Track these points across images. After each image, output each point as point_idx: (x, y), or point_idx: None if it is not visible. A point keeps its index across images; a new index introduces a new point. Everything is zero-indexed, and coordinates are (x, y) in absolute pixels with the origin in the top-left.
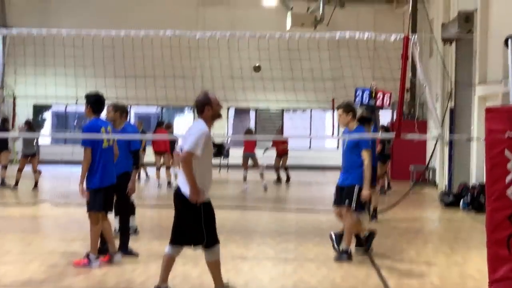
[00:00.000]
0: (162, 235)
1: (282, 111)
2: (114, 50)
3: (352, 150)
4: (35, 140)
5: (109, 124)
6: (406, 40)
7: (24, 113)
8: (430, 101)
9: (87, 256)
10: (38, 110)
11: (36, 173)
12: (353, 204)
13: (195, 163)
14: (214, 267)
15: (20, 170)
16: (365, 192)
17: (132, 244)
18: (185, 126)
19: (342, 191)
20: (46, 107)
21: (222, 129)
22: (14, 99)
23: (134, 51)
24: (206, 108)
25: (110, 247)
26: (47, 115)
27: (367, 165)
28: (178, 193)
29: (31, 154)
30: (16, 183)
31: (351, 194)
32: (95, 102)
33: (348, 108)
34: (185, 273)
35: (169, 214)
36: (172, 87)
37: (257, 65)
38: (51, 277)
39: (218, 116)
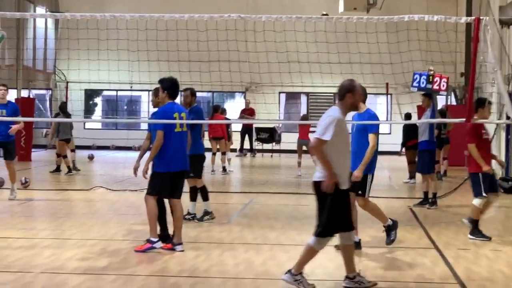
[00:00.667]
0: (220, 220)
1: (334, 95)
2: (172, 35)
3: (360, 133)
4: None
5: (185, 110)
6: (477, 22)
7: (75, 98)
8: (502, 85)
9: (148, 240)
10: (89, 95)
11: (59, 158)
12: (367, 193)
13: (330, 151)
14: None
15: (65, 156)
16: (357, 173)
17: (192, 230)
18: (236, 111)
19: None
20: (97, 92)
21: (274, 115)
22: (67, 84)
23: (184, 36)
24: (348, 95)
25: (176, 237)
26: (98, 100)
27: (371, 148)
28: (316, 182)
29: (68, 139)
30: (69, 169)
31: (364, 184)
32: (171, 87)
33: None
34: (248, 260)
35: (225, 200)
36: (220, 71)
37: (324, 13)
38: (113, 264)
39: (357, 106)
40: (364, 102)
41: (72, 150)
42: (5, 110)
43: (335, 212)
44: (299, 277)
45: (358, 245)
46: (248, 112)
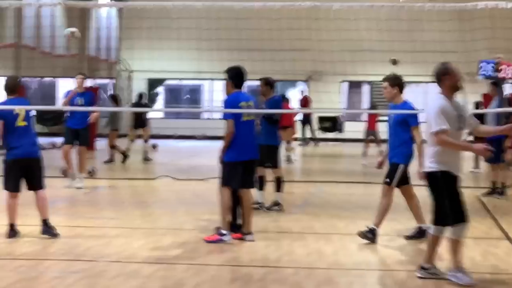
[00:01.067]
0: (287, 210)
1: None
2: (236, 23)
3: (398, 126)
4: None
5: (251, 98)
6: None
7: (138, 88)
8: None
9: (218, 231)
10: (152, 84)
11: (114, 148)
12: (394, 183)
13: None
14: (453, 246)
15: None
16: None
17: (260, 220)
18: (296, 101)
19: None
20: (160, 81)
21: (336, 104)
22: (130, 73)
23: (247, 24)
24: (445, 78)
25: (245, 227)
26: (161, 89)
27: (420, 143)
28: (428, 173)
29: (116, 129)
30: (125, 156)
31: (393, 172)
32: (235, 76)
33: (394, 81)
34: (319, 250)
35: (291, 189)
36: (284, 60)
37: (393, 58)
38: (184, 254)
39: (458, 87)
40: (401, 92)
41: (146, 140)
42: (83, 98)
43: (455, 199)
44: (433, 270)
45: (374, 236)
46: (302, 102)
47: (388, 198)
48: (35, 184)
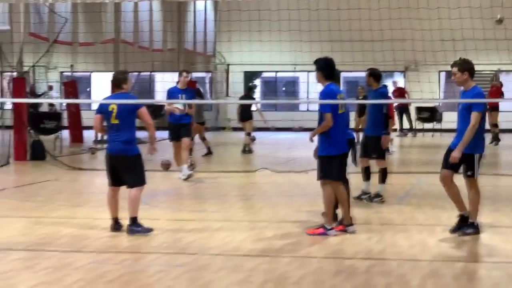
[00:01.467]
0: (389, 201)
1: (495, 73)
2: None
3: (466, 112)
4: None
5: (342, 90)
6: None
7: (235, 80)
8: None
9: (322, 226)
10: (249, 76)
11: (206, 140)
12: (476, 174)
13: None
14: None
15: (192, 139)
16: (455, 154)
17: (362, 211)
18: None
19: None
20: (257, 74)
21: (434, 94)
22: (228, 66)
23: (347, 15)
24: None
25: (345, 219)
26: (257, 82)
27: (471, 127)
28: None
29: (202, 122)
30: (209, 151)
31: (471, 164)
32: (325, 67)
33: (463, 66)
34: (423, 242)
35: (391, 180)
36: (383, 50)
37: (499, 17)
38: (286, 246)
39: None
40: (472, 77)
41: (248, 133)
42: (184, 94)
43: None
44: None
45: (476, 229)
46: (396, 93)
47: (475, 190)
48: (126, 181)
